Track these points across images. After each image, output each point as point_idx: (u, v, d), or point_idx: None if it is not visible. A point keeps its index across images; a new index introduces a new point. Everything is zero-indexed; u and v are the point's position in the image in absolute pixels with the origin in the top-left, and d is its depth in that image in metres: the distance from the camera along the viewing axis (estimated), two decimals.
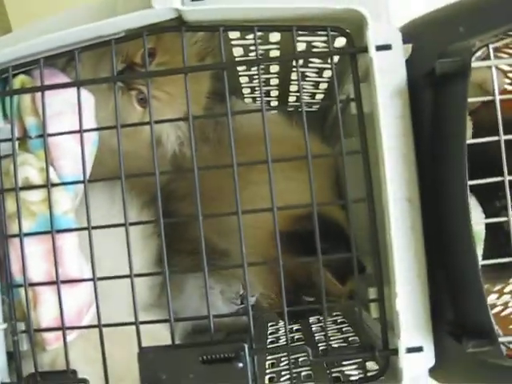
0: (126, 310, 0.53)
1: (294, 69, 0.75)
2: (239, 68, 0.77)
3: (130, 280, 0.50)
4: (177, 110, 0.66)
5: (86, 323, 0.53)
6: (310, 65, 0.76)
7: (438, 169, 0.49)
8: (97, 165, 0.56)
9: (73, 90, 0.51)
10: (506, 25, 0.46)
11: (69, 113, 0.52)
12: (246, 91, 0.87)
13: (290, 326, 0.82)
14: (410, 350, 0.47)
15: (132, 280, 0.50)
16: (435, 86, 0.49)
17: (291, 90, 0.86)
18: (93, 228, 0.50)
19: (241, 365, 0.46)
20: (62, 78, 0.55)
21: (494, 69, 0.48)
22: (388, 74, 0.48)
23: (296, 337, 0.78)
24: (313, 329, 0.80)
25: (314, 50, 0.68)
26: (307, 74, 0.79)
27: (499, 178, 0.47)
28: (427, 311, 0.48)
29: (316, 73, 0.79)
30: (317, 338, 0.76)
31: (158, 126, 0.56)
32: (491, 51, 0.47)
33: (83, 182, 0.50)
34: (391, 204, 0.48)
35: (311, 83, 0.83)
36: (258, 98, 0.90)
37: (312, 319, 0.84)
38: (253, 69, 0.77)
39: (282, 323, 0.84)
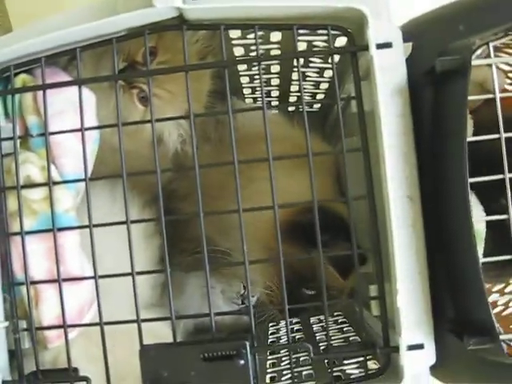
0: (128, 309, 0.54)
1: (295, 69, 0.75)
2: (240, 68, 0.77)
3: (131, 278, 0.50)
4: (178, 109, 0.66)
5: (87, 321, 0.53)
6: (311, 65, 0.76)
7: (439, 167, 0.49)
8: (98, 164, 0.56)
9: (74, 89, 0.51)
10: (506, 23, 0.47)
11: (70, 111, 0.52)
12: (246, 91, 0.87)
13: (291, 326, 0.82)
14: (411, 348, 0.47)
15: (134, 278, 0.50)
16: (435, 84, 0.49)
17: (292, 90, 0.86)
18: (94, 226, 0.50)
19: (242, 362, 0.46)
20: (64, 77, 0.55)
21: (494, 67, 0.48)
22: (388, 72, 0.48)
23: (297, 337, 0.79)
24: (314, 329, 0.80)
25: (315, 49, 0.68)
26: (308, 74, 0.79)
27: (500, 176, 0.47)
28: (428, 309, 0.48)
29: (317, 73, 0.79)
30: (318, 337, 0.76)
31: (159, 124, 0.56)
32: (491, 49, 0.48)
33: (84, 180, 0.50)
34: (392, 202, 0.48)
35: (312, 83, 0.84)
36: (258, 99, 0.90)
37: (313, 319, 0.84)
38: (254, 68, 0.78)
39: (282, 323, 0.84)
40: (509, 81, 0.72)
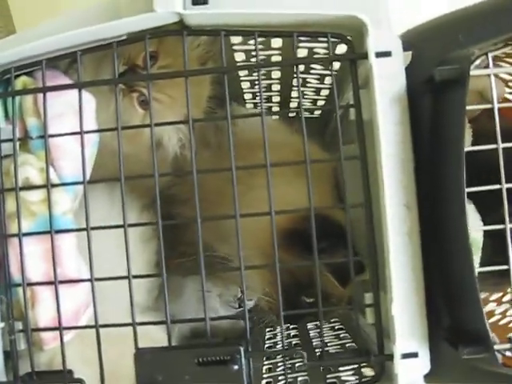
0: (124, 312, 0.54)
1: (296, 75, 0.75)
2: (241, 73, 0.77)
3: (128, 282, 0.50)
4: (178, 113, 0.66)
5: (83, 323, 0.53)
6: (312, 71, 0.76)
7: (436, 175, 0.49)
8: (98, 168, 0.57)
9: (74, 92, 0.51)
10: (505, 34, 0.47)
11: (70, 114, 0.53)
12: (247, 97, 0.87)
13: (288, 332, 0.83)
14: (405, 356, 0.47)
15: (130, 281, 0.50)
16: (434, 93, 0.50)
17: (292, 96, 0.86)
18: (91, 229, 0.50)
19: (236, 367, 0.46)
20: (64, 80, 0.56)
21: (492, 77, 0.48)
22: (388, 80, 0.49)
23: (294, 342, 0.78)
24: (311, 335, 0.80)
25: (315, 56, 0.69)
26: (308, 80, 0.80)
27: (497, 186, 0.48)
28: (423, 317, 0.48)
29: (317, 79, 0.79)
30: (314, 343, 0.76)
31: (159, 128, 0.57)
32: (490, 60, 0.48)
33: (83, 182, 0.50)
34: (388, 210, 0.48)
35: (313, 90, 0.84)
36: (259, 104, 0.90)
37: (310, 325, 0.84)
38: (254, 74, 0.78)
39: (279, 329, 0.84)
40: (509, 90, 0.73)
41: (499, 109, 0.48)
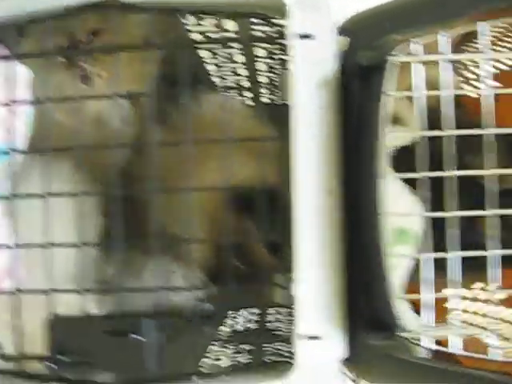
0: (63, 280, 0.55)
1: (259, 59, 0.75)
2: (204, 55, 0.77)
3: (70, 251, 0.53)
4: (120, 90, 0.66)
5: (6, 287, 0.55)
6: (275, 56, 0.76)
7: (356, 160, 0.49)
8: (40, 139, 0.58)
9: (9, 64, 0.53)
10: (425, 23, 0.47)
11: (3, 85, 0.54)
12: (218, 80, 0.87)
13: (250, 318, 0.83)
14: (311, 338, 0.47)
15: (51, 250, 0.51)
16: (360, 79, 0.50)
17: (260, 80, 0.86)
18: (15, 197, 0.51)
19: (138, 339, 0.47)
20: (3, 52, 0.57)
21: (416, 64, 0.48)
22: (314, 64, 0.49)
23: (251, 326, 0.79)
24: (268, 318, 0.81)
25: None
26: (272, 65, 0.79)
27: (415, 174, 0.48)
28: (339, 302, 0.48)
29: (280, 64, 0.79)
30: (270, 327, 0.77)
31: (100, 103, 0.57)
32: (415, 47, 0.48)
33: (8, 152, 0.51)
34: (308, 192, 0.48)
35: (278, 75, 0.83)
36: (230, 88, 0.89)
37: (271, 310, 0.85)
38: (219, 56, 0.77)
39: (241, 312, 0.85)
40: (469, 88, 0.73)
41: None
